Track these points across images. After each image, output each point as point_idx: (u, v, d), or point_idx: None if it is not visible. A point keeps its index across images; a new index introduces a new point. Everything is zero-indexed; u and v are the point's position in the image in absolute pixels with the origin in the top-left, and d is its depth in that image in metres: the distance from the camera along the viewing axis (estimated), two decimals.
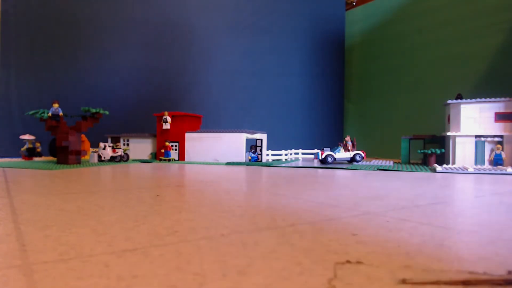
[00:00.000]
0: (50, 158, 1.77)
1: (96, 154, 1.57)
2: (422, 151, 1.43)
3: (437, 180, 0.90)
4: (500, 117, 1.26)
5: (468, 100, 1.30)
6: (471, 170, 1.13)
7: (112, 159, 1.59)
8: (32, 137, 1.74)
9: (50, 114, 1.43)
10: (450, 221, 0.43)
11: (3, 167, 1.30)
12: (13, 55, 2.07)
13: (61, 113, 1.45)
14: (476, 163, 1.28)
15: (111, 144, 1.64)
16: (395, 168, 1.23)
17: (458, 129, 1.32)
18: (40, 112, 1.43)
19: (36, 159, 1.72)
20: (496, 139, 1.27)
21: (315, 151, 1.65)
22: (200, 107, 2.04)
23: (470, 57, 1.76)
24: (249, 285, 0.24)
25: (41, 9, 2.07)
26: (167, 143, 1.67)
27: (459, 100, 1.32)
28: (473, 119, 1.30)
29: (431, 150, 1.39)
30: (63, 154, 1.41)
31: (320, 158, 1.46)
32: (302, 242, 0.34)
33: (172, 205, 0.54)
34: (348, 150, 1.49)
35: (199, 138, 1.68)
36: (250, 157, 1.61)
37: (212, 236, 0.36)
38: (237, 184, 0.82)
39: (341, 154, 1.48)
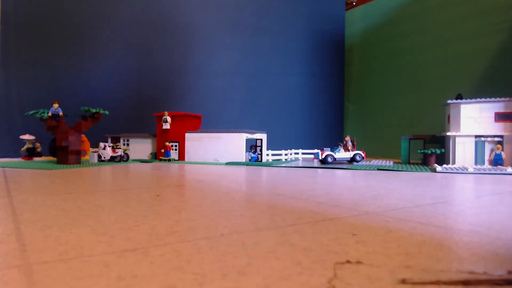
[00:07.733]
0: (50, 158, 1.77)
1: (96, 154, 1.57)
2: (422, 151, 1.43)
3: (437, 180, 0.90)
4: (500, 117, 1.26)
5: (468, 100, 1.30)
6: (471, 170, 1.13)
7: (112, 159, 1.59)
8: (32, 137, 1.74)
9: (50, 114, 1.43)
10: (450, 221, 0.43)
11: (3, 167, 1.30)
12: (13, 55, 2.07)
13: (61, 113, 1.45)
14: (476, 163, 1.28)
15: (111, 144, 1.64)
16: (395, 168, 1.23)
17: (458, 129, 1.32)
18: (40, 112, 1.43)
19: (36, 159, 1.72)
20: (496, 139, 1.27)
21: (315, 151, 1.65)
22: (200, 107, 2.04)
23: (470, 57, 1.76)
24: (249, 285, 0.24)
25: (41, 9, 2.07)
26: (167, 143, 1.67)
27: (459, 100, 1.32)
28: (473, 119, 1.30)
29: (431, 150, 1.39)
30: (63, 154, 1.41)
31: (320, 158, 1.46)
32: (302, 242, 0.34)
33: (172, 205, 0.54)
34: (348, 150, 1.49)
35: (199, 138, 1.68)
36: (250, 157, 1.61)
37: (212, 236, 0.36)
38: (237, 184, 0.82)
39: (341, 154, 1.48)
